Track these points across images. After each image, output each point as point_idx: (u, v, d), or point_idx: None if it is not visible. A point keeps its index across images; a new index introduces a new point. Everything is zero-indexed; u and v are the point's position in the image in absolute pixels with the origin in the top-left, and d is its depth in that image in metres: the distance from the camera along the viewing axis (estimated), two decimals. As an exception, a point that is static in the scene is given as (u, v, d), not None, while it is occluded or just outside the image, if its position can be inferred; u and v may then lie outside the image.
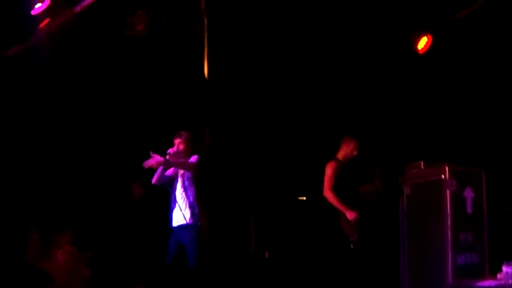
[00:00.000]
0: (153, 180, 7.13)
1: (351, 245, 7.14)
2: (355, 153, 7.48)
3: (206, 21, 2.09)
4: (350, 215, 7.12)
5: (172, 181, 7.17)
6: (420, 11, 8.29)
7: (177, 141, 7.13)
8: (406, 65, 8.93)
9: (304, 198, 9.06)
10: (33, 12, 7.46)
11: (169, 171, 7.16)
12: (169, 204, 7.14)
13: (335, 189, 7.22)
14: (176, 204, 7.04)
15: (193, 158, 7.08)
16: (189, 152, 7.14)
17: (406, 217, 7.31)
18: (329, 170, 7.31)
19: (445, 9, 8.22)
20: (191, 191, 7.09)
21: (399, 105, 9.31)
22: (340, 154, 7.49)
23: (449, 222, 6.75)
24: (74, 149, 8.63)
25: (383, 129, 9.28)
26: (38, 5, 7.45)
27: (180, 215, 6.98)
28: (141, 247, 8.29)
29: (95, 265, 7.80)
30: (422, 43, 8.57)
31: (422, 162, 7.24)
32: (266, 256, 8.71)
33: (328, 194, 7.23)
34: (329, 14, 8.25)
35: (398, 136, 9.13)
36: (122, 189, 8.52)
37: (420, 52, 8.62)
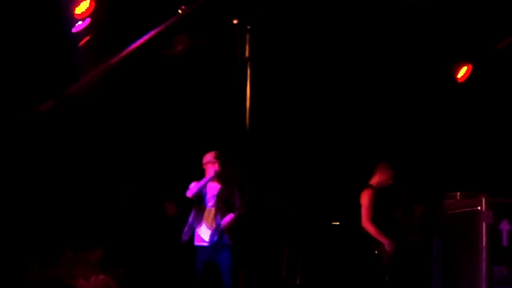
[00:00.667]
0: (189, 194, 7.15)
1: (387, 277, 7.08)
2: (390, 182, 7.41)
3: (249, 71, 2.09)
4: (389, 246, 7.05)
5: (203, 198, 7.22)
6: (460, 41, 8.25)
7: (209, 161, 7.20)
8: (445, 93, 8.89)
9: (338, 223, 9.01)
10: (74, 30, 7.52)
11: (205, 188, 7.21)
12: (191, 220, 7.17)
13: (373, 218, 7.17)
14: (203, 223, 7.08)
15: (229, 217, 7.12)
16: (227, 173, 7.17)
17: (441, 248, 7.23)
18: (365, 199, 7.24)
19: (486, 39, 8.18)
20: (223, 213, 7.10)
21: (437, 134, 9.26)
22: (374, 181, 7.43)
23: (484, 255, 6.67)
24: (109, 165, 8.67)
25: (422, 157, 9.21)
26: (79, 22, 7.51)
27: (208, 234, 7.02)
28: (171, 265, 8.30)
29: (126, 283, 7.82)
30: (462, 72, 8.57)
31: (459, 193, 7.18)
32: (297, 282, 8.66)
33: (367, 225, 7.16)
34: (373, 43, 8.23)
35: (437, 165, 9.06)
36: (156, 206, 8.54)
37: (460, 81, 8.60)
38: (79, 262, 7.62)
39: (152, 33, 1.70)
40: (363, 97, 9.10)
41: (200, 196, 7.20)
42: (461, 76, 8.56)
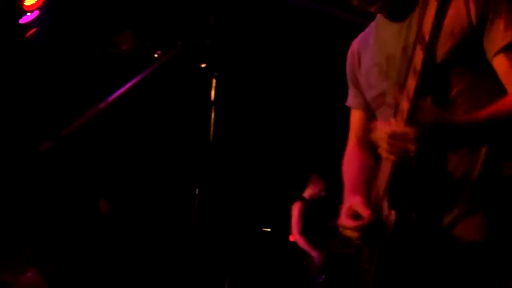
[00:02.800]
0: None
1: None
2: (323, 194, 7.58)
3: (213, 114, 2.15)
4: (318, 259, 7.21)
5: None
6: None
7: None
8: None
9: (269, 229, 9.13)
10: (21, 21, 7.52)
11: None
12: None
13: (303, 230, 7.33)
14: None
15: None
16: None
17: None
18: (296, 212, 7.41)
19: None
20: None
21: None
22: (307, 193, 7.59)
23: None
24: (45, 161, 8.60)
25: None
26: (28, 14, 7.51)
27: None
28: (104, 262, 8.31)
29: (58, 279, 7.81)
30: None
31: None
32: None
33: (297, 237, 7.33)
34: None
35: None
36: (90, 204, 8.55)
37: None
38: (9, 257, 7.58)
39: (135, 80, 1.75)
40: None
41: None
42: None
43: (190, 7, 6.41)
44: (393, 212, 2.39)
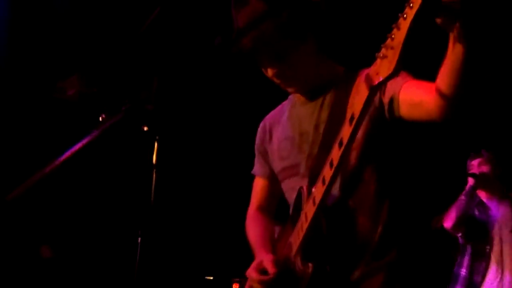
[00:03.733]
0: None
1: None
2: None
3: (154, 176, 2.23)
4: None
5: None
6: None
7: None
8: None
9: (211, 278, 9.11)
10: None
11: None
12: None
13: None
14: None
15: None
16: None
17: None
18: None
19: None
20: None
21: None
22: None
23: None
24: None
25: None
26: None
27: None
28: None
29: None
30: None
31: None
32: None
33: None
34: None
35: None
36: (30, 248, 8.46)
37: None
38: None
39: (79, 145, 1.81)
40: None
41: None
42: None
43: (135, 66, 6.49)
44: (310, 265, 2.63)
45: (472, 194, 6.33)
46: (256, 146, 3.25)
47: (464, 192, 6.35)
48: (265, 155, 3.17)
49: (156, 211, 2.50)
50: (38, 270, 8.14)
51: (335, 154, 2.49)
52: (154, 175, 2.44)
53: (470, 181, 6.37)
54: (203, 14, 6.54)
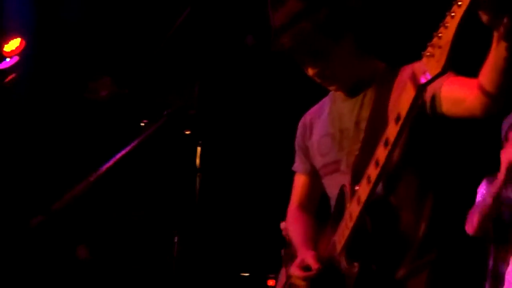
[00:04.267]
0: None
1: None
2: None
3: (198, 181, 2.24)
4: None
5: None
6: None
7: None
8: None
9: (247, 274, 9.14)
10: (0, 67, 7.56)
11: None
12: None
13: None
14: None
15: None
16: None
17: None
18: None
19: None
20: None
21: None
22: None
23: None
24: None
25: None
26: (7, 60, 7.55)
27: None
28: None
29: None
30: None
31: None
32: None
33: None
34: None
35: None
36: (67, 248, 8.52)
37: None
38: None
39: (123, 152, 1.81)
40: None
41: None
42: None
43: (175, 70, 6.51)
44: (356, 264, 2.62)
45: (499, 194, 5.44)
46: (296, 143, 3.24)
47: (490, 191, 5.42)
48: (305, 151, 3.16)
49: (197, 211, 2.49)
50: (74, 271, 8.22)
51: (381, 153, 2.48)
52: (197, 179, 2.43)
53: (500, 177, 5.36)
54: (237, 14, 6.55)
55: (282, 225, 7.07)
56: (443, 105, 2.56)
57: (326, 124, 3.01)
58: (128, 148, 2.11)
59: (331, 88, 2.92)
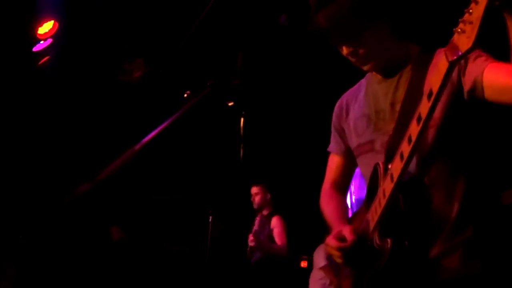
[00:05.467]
0: None
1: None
2: None
3: (242, 152, 2.22)
4: None
5: None
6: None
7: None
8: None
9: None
10: (34, 49, 7.60)
11: None
12: None
13: None
14: None
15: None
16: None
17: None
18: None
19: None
20: None
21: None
22: None
23: None
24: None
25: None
26: (41, 42, 7.59)
27: None
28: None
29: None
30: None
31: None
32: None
33: None
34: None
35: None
36: (100, 230, 8.58)
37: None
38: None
39: (167, 122, 1.78)
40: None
41: None
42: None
43: (219, 42, 6.53)
44: (388, 240, 2.63)
45: None
46: (332, 124, 3.29)
47: None
48: (341, 132, 3.22)
49: (241, 181, 2.47)
50: (108, 252, 8.28)
51: (414, 129, 2.49)
52: (241, 149, 2.41)
53: None
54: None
55: (250, 237, 7.26)
56: (486, 91, 2.55)
57: (362, 105, 3.05)
58: (171, 119, 2.09)
59: (365, 68, 2.93)
